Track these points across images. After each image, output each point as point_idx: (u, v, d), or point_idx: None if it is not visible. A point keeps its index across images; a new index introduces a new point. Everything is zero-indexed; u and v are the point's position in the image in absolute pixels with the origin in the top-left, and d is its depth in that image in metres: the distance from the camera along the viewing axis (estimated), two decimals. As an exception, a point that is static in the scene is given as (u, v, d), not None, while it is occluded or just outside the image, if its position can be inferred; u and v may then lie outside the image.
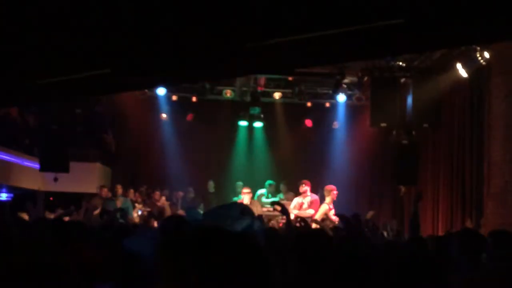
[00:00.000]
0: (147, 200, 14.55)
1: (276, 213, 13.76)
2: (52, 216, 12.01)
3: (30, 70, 4.63)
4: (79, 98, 12.06)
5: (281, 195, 14.38)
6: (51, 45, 4.12)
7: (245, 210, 5.15)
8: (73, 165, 13.29)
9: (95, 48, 4.21)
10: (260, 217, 10.10)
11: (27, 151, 14.20)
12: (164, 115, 16.46)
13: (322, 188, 13.25)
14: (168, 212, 13.51)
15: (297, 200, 12.60)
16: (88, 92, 6.83)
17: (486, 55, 11.61)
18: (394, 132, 13.22)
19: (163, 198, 14.39)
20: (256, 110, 15.71)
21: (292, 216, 12.36)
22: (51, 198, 14.53)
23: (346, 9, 2.84)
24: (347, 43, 3.17)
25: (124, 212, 11.54)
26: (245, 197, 12.80)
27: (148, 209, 13.81)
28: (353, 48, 3.35)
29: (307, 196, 12.55)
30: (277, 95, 15.94)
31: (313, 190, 13.18)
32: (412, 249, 5.07)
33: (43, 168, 13.16)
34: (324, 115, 16.67)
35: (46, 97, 7.40)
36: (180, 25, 3.68)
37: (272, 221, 13.01)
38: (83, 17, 3.70)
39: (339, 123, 16.66)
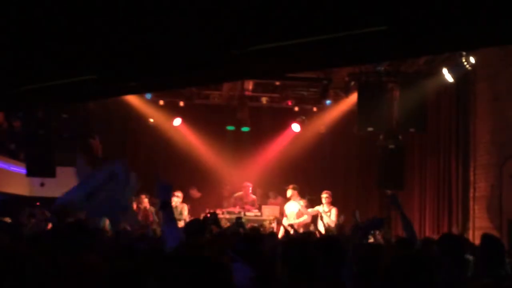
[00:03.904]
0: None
1: (264, 217, 13.85)
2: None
3: (16, 76, 4.62)
4: (66, 103, 12.01)
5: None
6: (37, 51, 4.12)
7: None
8: (59, 170, 13.22)
9: (82, 54, 4.20)
10: (239, 219, 10.17)
11: (14, 156, 14.12)
12: (151, 120, 16.43)
13: (309, 193, 13.35)
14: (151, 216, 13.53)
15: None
16: (75, 98, 6.81)
17: (472, 60, 11.70)
18: (381, 137, 13.27)
19: (146, 200, 14.35)
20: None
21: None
22: (37, 203, 14.44)
23: (330, 15, 2.86)
24: (331, 49, 3.18)
25: None
26: (175, 200, 13.21)
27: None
28: (337, 55, 3.37)
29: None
30: (264, 99, 15.93)
31: (299, 194, 13.30)
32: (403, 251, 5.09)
33: (29, 173, 13.09)
34: (311, 120, 16.69)
35: (32, 102, 7.37)
36: (166, 31, 3.68)
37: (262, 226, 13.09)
38: (69, 23, 3.69)
39: (326, 127, 16.69)
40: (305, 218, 12.85)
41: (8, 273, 1.77)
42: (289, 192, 13.19)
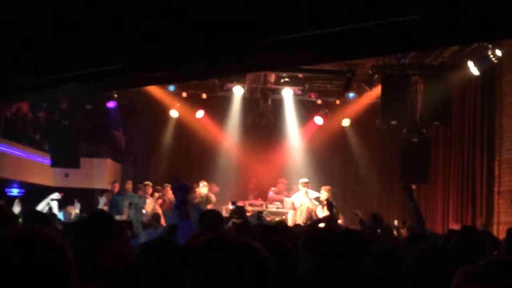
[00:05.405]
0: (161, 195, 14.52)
1: (286, 210, 13.83)
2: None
3: (41, 65, 4.64)
4: (90, 93, 12.06)
5: None
6: (62, 40, 4.12)
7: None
8: (84, 161, 13.31)
9: (107, 43, 4.20)
10: (260, 213, 10.20)
11: (38, 147, 14.24)
12: (174, 112, 16.45)
13: (332, 186, 13.24)
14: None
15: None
16: (100, 88, 6.84)
17: (498, 53, 11.52)
18: (404, 130, 13.15)
19: (171, 192, 14.39)
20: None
21: None
22: (61, 194, 14.56)
23: (360, 4, 2.82)
24: (361, 39, 3.15)
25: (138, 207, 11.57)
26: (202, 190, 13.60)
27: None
28: (367, 45, 3.33)
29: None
30: (287, 92, 15.88)
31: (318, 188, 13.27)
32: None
33: (54, 164, 13.19)
34: (334, 113, 16.61)
35: (57, 91, 7.41)
36: (191, 20, 3.67)
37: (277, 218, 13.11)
38: (95, 12, 3.69)
39: (349, 120, 16.60)
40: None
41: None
42: (300, 186, 13.10)
